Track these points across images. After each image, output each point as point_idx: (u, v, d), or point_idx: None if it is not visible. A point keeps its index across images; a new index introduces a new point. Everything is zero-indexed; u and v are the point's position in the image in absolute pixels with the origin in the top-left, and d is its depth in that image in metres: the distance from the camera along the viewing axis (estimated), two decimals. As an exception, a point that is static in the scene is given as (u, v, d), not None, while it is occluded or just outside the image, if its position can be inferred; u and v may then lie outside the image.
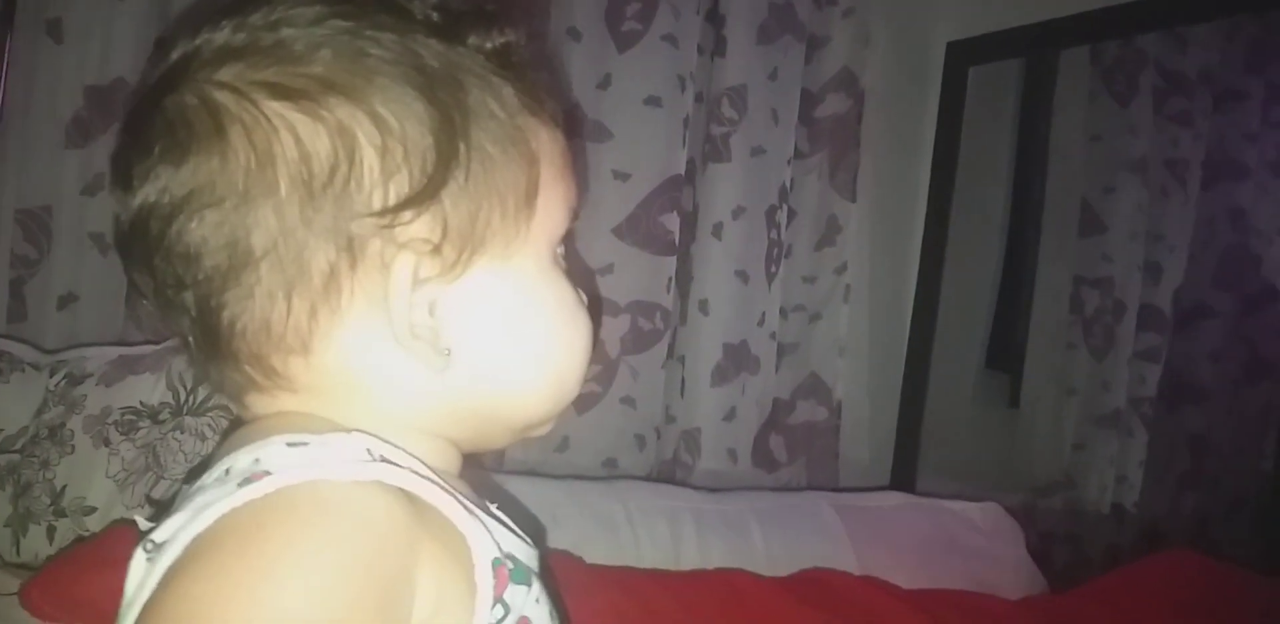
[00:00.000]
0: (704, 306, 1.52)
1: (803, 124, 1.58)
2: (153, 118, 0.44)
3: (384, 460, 0.42)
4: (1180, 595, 1.16)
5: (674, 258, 1.49)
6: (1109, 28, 1.58)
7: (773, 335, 1.58)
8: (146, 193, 0.43)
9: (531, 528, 0.52)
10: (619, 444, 1.49)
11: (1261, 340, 1.81)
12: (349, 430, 0.43)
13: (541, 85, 0.49)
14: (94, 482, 0.88)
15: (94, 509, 0.88)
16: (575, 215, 0.50)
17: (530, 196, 0.46)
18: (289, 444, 0.42)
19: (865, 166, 1.62)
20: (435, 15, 0.45)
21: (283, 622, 0.36)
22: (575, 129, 1.35)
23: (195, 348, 0.45)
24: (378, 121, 0.42)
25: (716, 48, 1.49)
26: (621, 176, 1.45)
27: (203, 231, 0.42)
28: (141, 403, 0.92)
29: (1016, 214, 1.78)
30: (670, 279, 1.49)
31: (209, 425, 0.91)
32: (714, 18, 1.49)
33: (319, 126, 0.42)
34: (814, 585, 1.02)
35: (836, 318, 1.64)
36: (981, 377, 1.91)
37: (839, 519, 1.19)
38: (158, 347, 0.98)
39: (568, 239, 0.49)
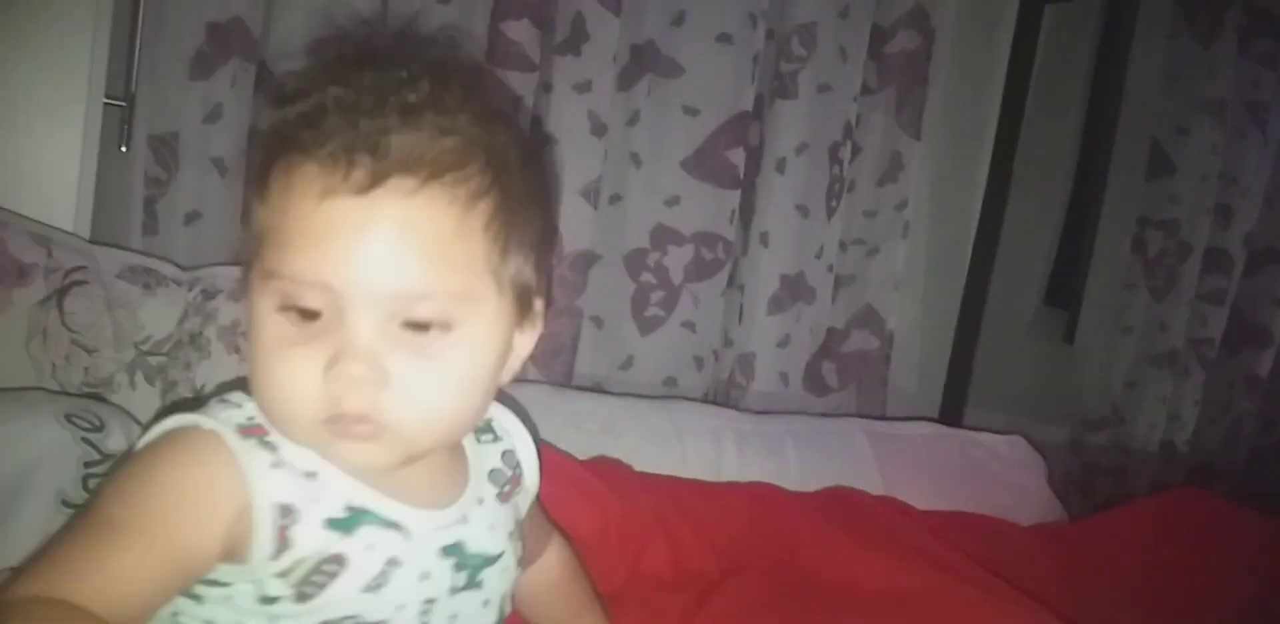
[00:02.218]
0: (764, 239, 1.68)
1: (872, 60, 1.69)
2: None
3: (251, 424, 0.63)
4: (1185, 530, 1.33)
5: (738, 191, 1.65)
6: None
7: (830, 268, 1.74)
8: None
9: (446, 494, 0.69)
10: (679, 365, 1.68)
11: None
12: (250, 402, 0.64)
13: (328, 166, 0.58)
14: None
15: (226, 406, 1.11)
16: (306, 284, 0.59)
17: (253, 257, 0.62)
18: (219, 400, 0.65)
19: (932, 104, 1.74)
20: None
21: (140, 491, 0.60)
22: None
23: None
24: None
25: (789, -15, 1.61)
26: (691, 112, 1.60)
27: None
28: (262, 317, 1.14)
29: (1085, 153, 1.88)
30: (734, 212, 1.65)
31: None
32: (787, -45, 1.60)
33: None
34: (834, 500, 1.22)
35: (894, 252, 1.79)
36: (1039, 313, 2.05)
37: (869, 444, 1.38)
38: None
39: (302, 299, 0.59)
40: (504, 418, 0.79)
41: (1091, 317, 1.98)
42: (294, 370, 0.59)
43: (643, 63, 1.58)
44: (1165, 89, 1.83)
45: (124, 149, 1.27)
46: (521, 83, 1.47)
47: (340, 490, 0.63)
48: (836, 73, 1.66)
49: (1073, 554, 1.24)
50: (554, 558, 0.86)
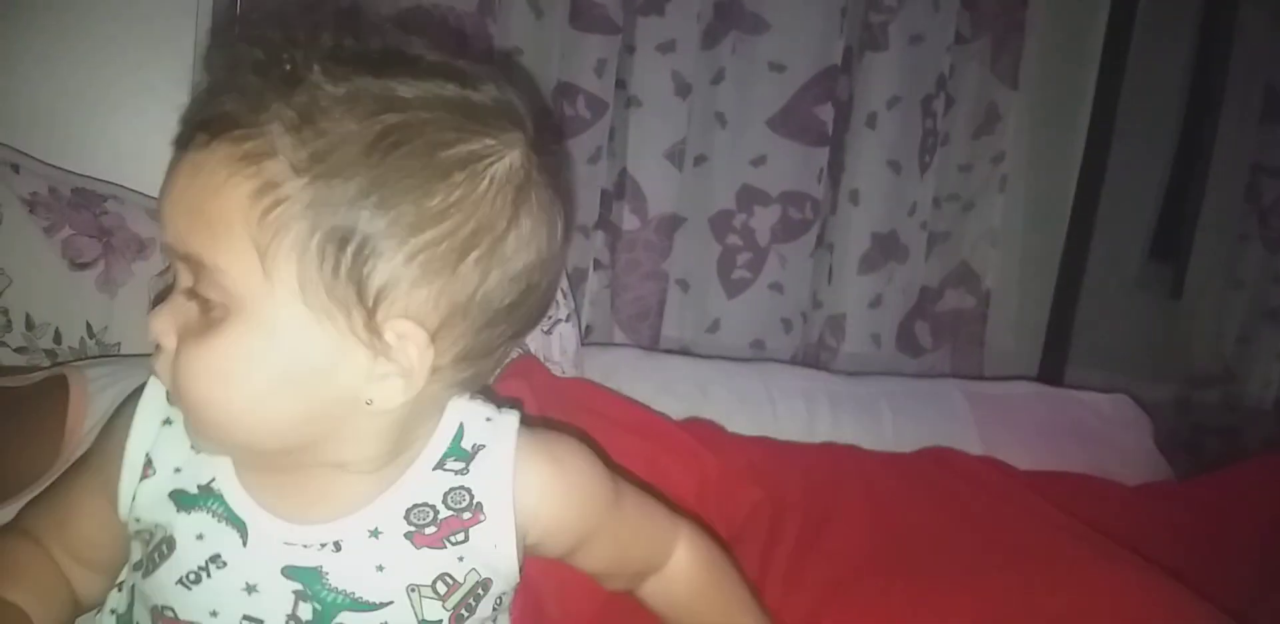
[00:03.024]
0: (854, 197, 1.69)
1: (965, 8, 1.68)
2: None
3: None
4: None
5: (826, 148, 1.66)
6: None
7: (923, 225, 1.74)
8: None
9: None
10: (766, 327, 1.72)
11: None
12: None
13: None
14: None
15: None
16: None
17: None
18: None
19: (1029, 52, 1.71)
20: None
21: (104, 433, 0.70)
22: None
23: None
24: None
25: (877, -66, 1.60)
26: (777, 68, 1.62)
27: None
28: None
29: (1193, 99, 1.83)
30: (822, 170, 1.66)
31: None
32: (874, -97, 1.59)
33: None
34: (931, 462, 1.24)
35: (990, 207, 1.78)
36: (1144, 267, 2.02)
37: (968, 405, 1.39)
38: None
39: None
40: (498, 449, 0.67)
41: (1200, 270, 1.94)
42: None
43: (727, 19, 1.59)
44: (1278, 29, 1.77)
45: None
46: (605, 45, 1.51)
47: (211, 470, 0.64)
48: (928, 22, 1.65)
49: (1181, 514, 1.24)
50: (682, 566, 0.76)
